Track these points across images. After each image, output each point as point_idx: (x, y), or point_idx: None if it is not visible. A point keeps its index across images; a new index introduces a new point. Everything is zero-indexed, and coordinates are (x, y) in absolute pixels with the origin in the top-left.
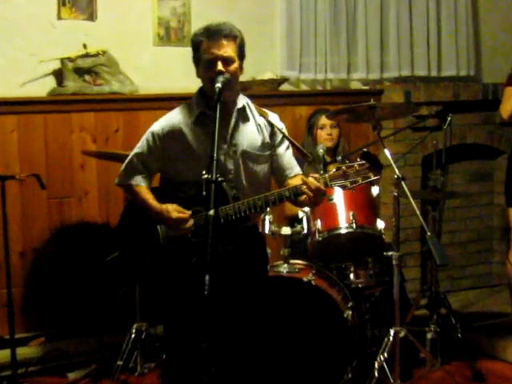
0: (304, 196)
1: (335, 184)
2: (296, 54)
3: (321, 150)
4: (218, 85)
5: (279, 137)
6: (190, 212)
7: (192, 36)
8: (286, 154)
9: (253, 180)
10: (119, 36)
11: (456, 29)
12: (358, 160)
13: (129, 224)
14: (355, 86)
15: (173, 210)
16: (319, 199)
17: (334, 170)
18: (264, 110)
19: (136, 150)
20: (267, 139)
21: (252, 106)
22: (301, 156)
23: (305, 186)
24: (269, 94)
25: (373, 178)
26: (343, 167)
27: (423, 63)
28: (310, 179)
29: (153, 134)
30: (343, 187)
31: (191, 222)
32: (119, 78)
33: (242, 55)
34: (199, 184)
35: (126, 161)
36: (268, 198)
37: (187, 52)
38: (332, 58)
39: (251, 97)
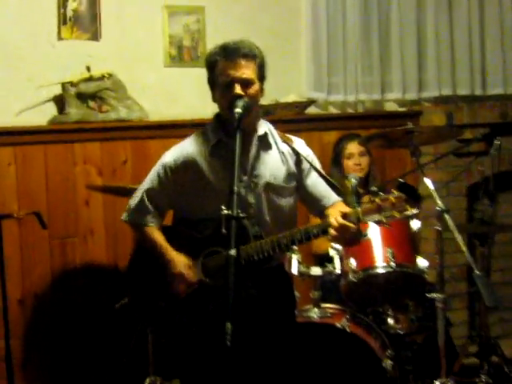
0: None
1: (369, 219)
2: (323, 74)
3: (353, 180)
4: (238, 110)
5: (307, 165)
6: (194, 281)
7: (207, 55)
8: (317, 182)
9: (277, 215)
10: (126, 57)
11: (502, 42)
12: (394, 191)
13: (140, 266)
14: (390, 107)
15: (182, 264)
16: (353, 238)
17: (367, 203)
18: (288, 135)
19: (145, 184)
20: (292, 168)
21: (274, 132)
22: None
23: (331, 224)
24: (294, 119)
25: (411, 211)
26: (377, 200)
27: (466, 81)
28: (336, 217)
29: (164, 167)
30: (378, 223)
31: (193, 286)
32: (127, 104)
33: (262, 76)
34: (217, 221)
35: (135, 197)
36: (294, 236)
37: (202, 73)
38: (364, 78)
39: (274, 122)
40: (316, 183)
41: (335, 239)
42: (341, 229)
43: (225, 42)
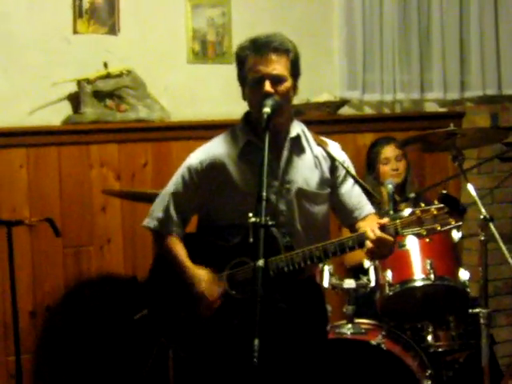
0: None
1: (408, 232)
2: (358, 71)
3: (390, 186)
4: (267, 109)
5: (342, 171)
6: (217, 296)
7: (237, 50)
8: (352, 190)
9: (309, 224)
10: (146, 52)
11: None
12: (436, 203)
13: (161, 276)
14: (430, 108)
15: (206, 281)
16: (387, 251)
17: (407, 214)
18: (323, 138)
19: (169, 188)
20: (326, 174)
21: (308, 134)
22: (368, 197)
23: (368, 237)
24: (326, 120)
25: (454, 224)
26: (417, 211)
27: None
28: (373, 229)
29: (189, 169)
30: (418, 236)
31: (216, 305)
32: (147, 103)
33: (296, 73)
34: (244, 229)
35: (158, 201)
36: (327, 248)
37: (227, 70)
38: (402, 75)
39: (305, 123)
40: (350, 193)
41: (370, 253)
42: (378, 242)
43: (255, 36)
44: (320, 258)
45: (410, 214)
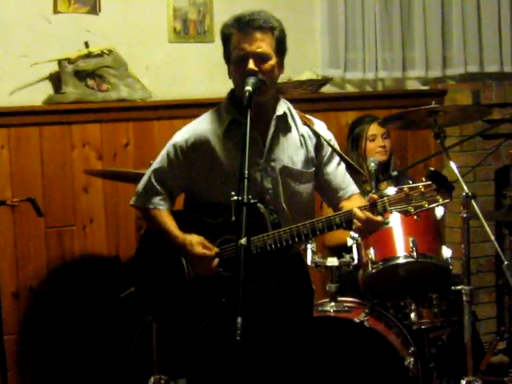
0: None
1: (396, 209)
2: (340, 50)
3: (372, 164)
4: (248, 88)
5: (328, 150)
6: (216, 249)
7: (221, 28)
8: (337, 170)
9: (293, 202)
10: (127, 32)
11: None
12: (424, 180)
13: (147, 254)
14: (412, 86)
15: (197, 243)
16: (375, 229)
17: (395, 191)
18: (309, 117)
19: (155, 166)
20: (312, 153)
21: (294, 112)
22: (353, 174)
23: (357, 215)
24: (308, 98)
25: (441, 201)
26: (405, 189)
27: (494, 57)
28: (360, 210)
29: (175, 147)
30: (405, 213)
31: (216, 261)
32: (128, 82)
33: (281, 50)
34: (229, 207)
35: (144, 179)
36: (315, 226)
37: (209, 49)
38: (383, 54)
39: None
40: (335, 172)
41: (359, 231)
42: (366, 220)
43: (240, 13)
44: (308, 236)
45: (398, 192)
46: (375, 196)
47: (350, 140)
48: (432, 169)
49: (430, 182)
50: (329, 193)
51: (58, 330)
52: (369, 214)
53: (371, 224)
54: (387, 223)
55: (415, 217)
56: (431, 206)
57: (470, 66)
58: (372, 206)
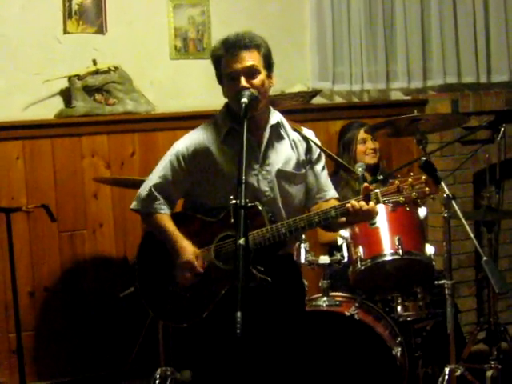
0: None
1: (388, 200)
2: (329, 64)
3: (360, 169)
4: (244, 100)
5: (315, 153)
6: (201, 270)
7: (211, 52)
8: (321, 173)
9: (288, 203)
10: (132, 50)
11: (507, 29)
12: (412, 174)
13: (148, 255)
14: (395, 96)
15: (190, 253)
16: (369, 219)
17: (389, 184)
18: (298, 125)
19: (157, 173)
20: (302, 156)
21: (285, 122)
22: (345, 173)
23: (352, 207)
24: (299, 109)
25: (429, 192)
26: (396, 181)
27: (471, 68)
28: (356, 201)
29: (177, 155)
30: (397, 203)
31: (195, 277)
32: (133, 97)
33: (269, 65)
34: (229, 209)
35: (145, 185)
36: (311, 218)
37: (208, 65)
38: (369, 67)
39: (280, 112)
40: (319, 174)
41: (352, 221)
42: (360, 211)
43: (226, 36)
44: (304, 228)
45: (390, 184)
46: (371, 186)
47: (341, 145)
48: (424, 158)
49: (418, 176)
50: (312, 192)
51: (71, 326)
52: (363, 204)
53: (366, 214)
54: (374, 223)
55: (406, 207)
56: (420, 195)
57: (448, 77)
58: (365, 198)
